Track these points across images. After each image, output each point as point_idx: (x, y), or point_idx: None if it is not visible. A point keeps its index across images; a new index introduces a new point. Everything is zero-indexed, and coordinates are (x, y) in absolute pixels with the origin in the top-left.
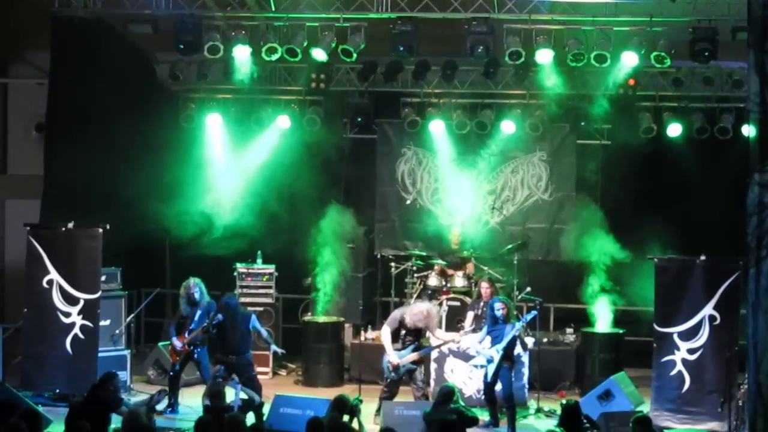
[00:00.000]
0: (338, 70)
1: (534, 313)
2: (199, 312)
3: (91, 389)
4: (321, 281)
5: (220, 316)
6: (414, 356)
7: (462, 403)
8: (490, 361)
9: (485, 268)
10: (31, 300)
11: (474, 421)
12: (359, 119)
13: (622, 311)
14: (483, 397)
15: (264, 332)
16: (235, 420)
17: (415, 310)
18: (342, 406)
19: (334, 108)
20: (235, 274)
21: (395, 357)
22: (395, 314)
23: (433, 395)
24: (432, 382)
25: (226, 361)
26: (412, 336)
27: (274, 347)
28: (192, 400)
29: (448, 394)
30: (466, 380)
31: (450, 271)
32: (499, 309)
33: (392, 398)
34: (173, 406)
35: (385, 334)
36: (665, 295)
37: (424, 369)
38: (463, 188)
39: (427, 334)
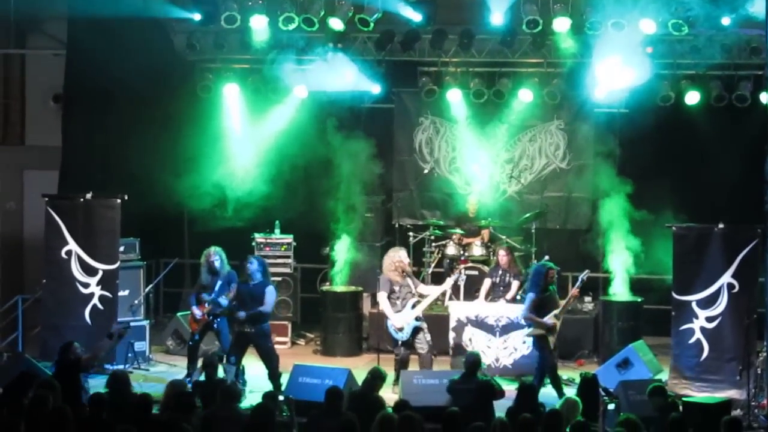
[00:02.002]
0: (355, 39)
1: (587, 271)
2: (219, 282)
3: (57, 366)
4: (339, 250)
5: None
6: (415, 312)
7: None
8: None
9: (503, 237)
10: (49, 271)
11: (501, 394)
12: None
13: (641, 279)
14: (502, 366)
15: (267, 306)
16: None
17: (389, 265)
18: (379, 378)
19: None
20: (254, 244)
21: (398, 319)
22: (381, 278)
23: (453, 365)
24: (450, 351)
25: (243, 331)
26: (404, 294)
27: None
28: None
29: (475, 362)
30: (485, 349)
31: (467, 240)
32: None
33: (406, 360)
34: (192, 376)
35: (382, 299)
36: (683, 263)
37: (429, 334)
38: (480, 157)
39: (418, 289)
